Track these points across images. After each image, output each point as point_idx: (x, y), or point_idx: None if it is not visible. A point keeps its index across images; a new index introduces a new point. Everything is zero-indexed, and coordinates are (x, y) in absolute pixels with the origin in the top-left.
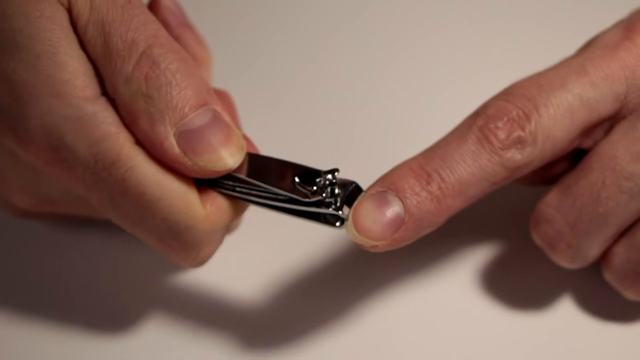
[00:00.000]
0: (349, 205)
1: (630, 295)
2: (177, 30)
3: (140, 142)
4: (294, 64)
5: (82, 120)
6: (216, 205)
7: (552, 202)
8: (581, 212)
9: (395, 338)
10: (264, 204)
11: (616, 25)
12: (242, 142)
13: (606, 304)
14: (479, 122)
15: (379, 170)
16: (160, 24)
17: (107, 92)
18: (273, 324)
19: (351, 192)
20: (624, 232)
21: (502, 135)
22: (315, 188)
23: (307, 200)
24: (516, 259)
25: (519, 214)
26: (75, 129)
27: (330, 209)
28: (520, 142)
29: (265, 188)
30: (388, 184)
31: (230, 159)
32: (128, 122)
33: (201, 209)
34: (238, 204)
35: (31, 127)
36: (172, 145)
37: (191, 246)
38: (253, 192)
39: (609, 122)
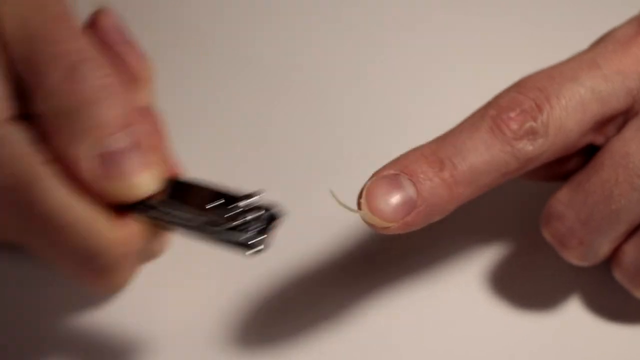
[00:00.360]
0: (266, 232)
1: None
2: (118, 47)
3: (54, 162)
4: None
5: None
6: (128, 230)
7: (563, 198)
8: (593, 209)
9: (400, 337)
10: (181, 230)
11: (629, 22)
12: (159, 169)
13: (614, 303)
14: (492, 112)
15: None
16: (91, 40)
17: (32, 109)
18: (270, 322)
19: (269, 218)
20: (635, 231)
21: (514, 125)
22: (230, 214)
23: (220, 227)
24: (523, 258)
25: (527, 213)
26: None
27: (243, 236)
28: (532, 133)
29: (179, 214)
30: (401, 167)
31: (143, 186)
32: (47, 139)
33: (111, 234)
34: (154, 230)
35: None
36: (87, 167)
37: (104, 272)
38: (169, 218)
39: (622, 118)
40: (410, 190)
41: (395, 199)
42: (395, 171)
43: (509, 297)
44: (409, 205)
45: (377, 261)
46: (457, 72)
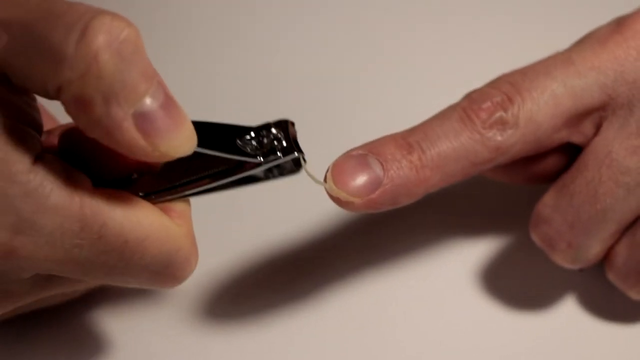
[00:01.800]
0: (293, 142)
1: (634, 294)
2: None
3: (91, 139)
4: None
5: (31, 195)
6: (179, 213)
7: (549, 202)
8: (579, 210)
9: (394, 341)
10: (211, 188)
11: (609, 22)
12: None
13: (608, 303)
14: (463, 103)
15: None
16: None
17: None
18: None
19: (289, 128)
20: (626, 231)
21: (484, 115)
22: (257, 143)
23: (259, 159)
24: (518, 259)
25: (521, 211)
26: (29, 205)
27: (286, 156)
28: (502, 123)
29: (214, 160)
30: (370, 148)
31: (189, 141)
32: (78, 113)
33: (177, 226)
34: (187, 202)
35: None
36: (130, 128)
37: (183, 266)
38: (192, 180)
39: (597, 114)
40: (378, 170)
41: (361, 175)
42: (364, 152)
43: (505, 298)
44: (374, 184)
45: (370, 261)
46: (454, 74)
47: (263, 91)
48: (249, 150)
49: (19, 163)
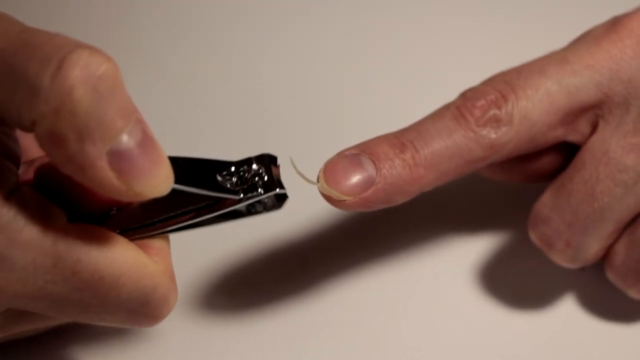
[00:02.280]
0: (274, 178)
1: (633, 294)
2: None
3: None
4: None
5: (3, 230)
6: (157, 250)
7: (547, 201)
8: (577, 209)
9: (392, 339)
10: (190, 224)
11: (605, 22)
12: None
13: (606, 302)
14: (457, 102)
15: None
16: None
17: (23, 126)
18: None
19: (271, 163)
20: (625, 230)
21: (478, 113)
22: (238, 178)
23: (240, 195)
24: (516, 259)
25: (520, 215)
26: (1, 240)
27: (267, 192)
28: (496, 121)
29: (193, 196)
30: (363, 148)
31: (165, 181)
32: (51, 148)
33: (154, 263)
34: (166, 238)
35: None
36: (104, 167)
37: (161, 303)
38: (171, 216)
39: (593, 113)
40: (370, 169)
41: (354, 174)
42: (357, 151)
43: (501, 294)
44: (367, 183)
45: (368, 261)
46: (450, 75)
47: (258, 90)
48: (229, 185)
49: None
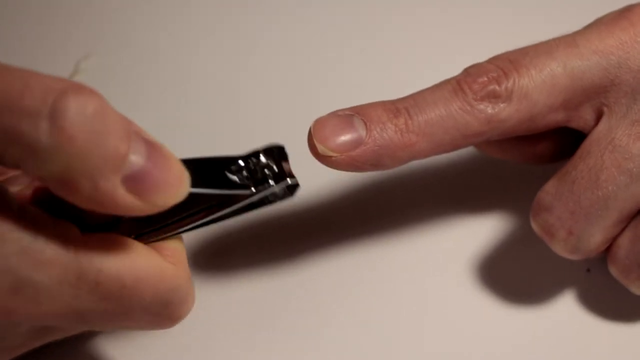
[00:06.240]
0: (285, 169)
1: (636, 289)
2: None
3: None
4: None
5: (26, 252)
6: (172, 252)
7: (551, 189)
8: (580, 197)
9: (388, 332)
10: (203, 223)
11: (619, 9)
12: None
13: (606, 299)
14: (459, 76)
15: None
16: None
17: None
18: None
19: (279, 154)
20: (629, 223)
21: (477, 87)
22: (247, 172)
23: (251, 190)
24: (517, 251)
25: (520, 205)
26: (25, 263)
27: (279, 184)
28: (494, 97)
29: (204, 195)
30: (357, 109)
31: (183, 185)
32: (66, 194)
33: (172, 265)
34: (179, 239)
35: None
36: (123, 195)
37: (181, 304)
38: (183, 217)
39: (598, 100)
40: (361, 130)
41: (344, 133)
42: (350, 112)
43: (501, 291)
44: (356, 143)
45: (365, 258)
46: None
47: (250, 84)
48: (239, 180)
49: (6, 222)
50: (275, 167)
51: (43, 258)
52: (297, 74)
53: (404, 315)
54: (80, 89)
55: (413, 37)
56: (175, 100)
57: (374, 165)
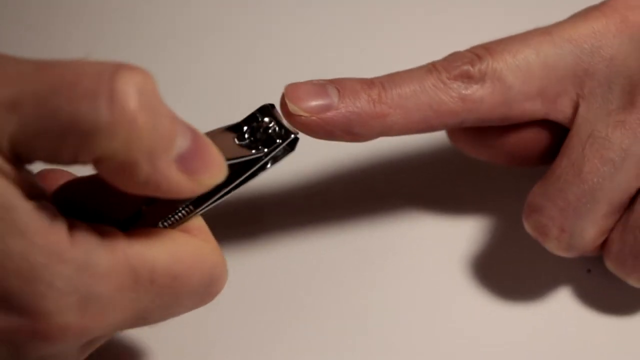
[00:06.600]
0: (282, 126)
1: (634, 282)
2: None
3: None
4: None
5: (84, 268)
6: (199, 230)
7: (539, 190)
8: (567, 193)
9: (385, 330)
10: (222, 195)
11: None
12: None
13: (607, 300)
14: (435, 62)
15: None
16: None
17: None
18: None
19: (274, 112)
20: (620, 217)
21: (450, 68)
22: (251, 135)
23: (263, 151)
24: (512, 251)
25: (515, 203)
26: (85, 279)
27: (286, 140)
28: (467, 77)
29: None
30: (333, 80)
31: (224, 163)
32: (122, 178)
33: (207, 243)
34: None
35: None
36: (177, 175)
37: (220, 280)
38: (204, 194)
39: (574, 92)
40: (334, 97)
41: (316, 98)
42: (325, 81)
43: (498, 289)
44: (328, 105)
45: (361, 254)
46: None
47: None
48: (250, 145)
49: (61, 242)
50: (276, 126)
51: (101, 271)
52: (297, 74)
53: (404, 315)
54: (134, 68)
55: (413, 37)
56: (176, 100)
57: (346, 131)
